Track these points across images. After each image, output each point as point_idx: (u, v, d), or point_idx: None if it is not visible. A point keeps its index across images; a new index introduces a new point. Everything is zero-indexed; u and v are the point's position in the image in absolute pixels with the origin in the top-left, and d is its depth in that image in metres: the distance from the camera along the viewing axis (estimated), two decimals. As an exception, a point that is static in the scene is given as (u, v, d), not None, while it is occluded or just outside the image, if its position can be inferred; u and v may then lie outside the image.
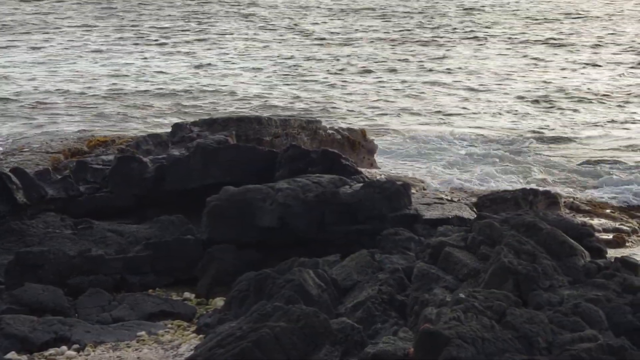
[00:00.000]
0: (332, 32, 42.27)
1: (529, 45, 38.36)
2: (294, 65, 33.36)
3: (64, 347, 10.04)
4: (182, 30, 42.97)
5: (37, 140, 18.18)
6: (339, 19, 47.37)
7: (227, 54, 36.16)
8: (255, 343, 8.07)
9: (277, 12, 50.69)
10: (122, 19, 47.19)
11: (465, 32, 42.30)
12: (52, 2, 54.35)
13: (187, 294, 12.03)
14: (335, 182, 12.88)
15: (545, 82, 30.18)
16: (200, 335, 10.22)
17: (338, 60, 34.59)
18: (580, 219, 15.35)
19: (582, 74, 31.94)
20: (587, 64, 33.99)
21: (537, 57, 35.20)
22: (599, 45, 38.25)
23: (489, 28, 43.71)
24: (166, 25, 44.62)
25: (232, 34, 41.95)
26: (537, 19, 47.07)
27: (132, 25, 44.51)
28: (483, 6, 53.25)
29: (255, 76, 31.35)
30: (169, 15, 48.89)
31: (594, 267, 9.34)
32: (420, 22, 46.15)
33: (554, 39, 39.67)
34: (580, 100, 27.58)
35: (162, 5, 54.31)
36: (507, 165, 19.85)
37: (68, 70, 32.21)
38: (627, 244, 14.52)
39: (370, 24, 45.11)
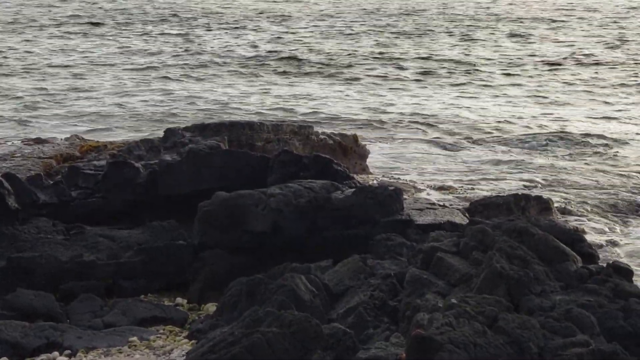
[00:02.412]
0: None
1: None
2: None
3: (56, 353, 10.01)
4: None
5: (29, 146, 18.14)
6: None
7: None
8: (248, 348, 8.07)
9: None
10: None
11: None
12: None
13: (179, 300, 12.02)
14: (327, 187, 12.88)
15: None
16: (192, 341, 10.20)
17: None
18: (572, 224, 15.38)
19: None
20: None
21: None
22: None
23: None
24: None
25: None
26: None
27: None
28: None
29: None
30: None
31: (586, 273, 9.35)
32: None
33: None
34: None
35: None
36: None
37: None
38: (619, 249, 14.55)
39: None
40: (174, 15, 51.82)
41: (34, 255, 11.95)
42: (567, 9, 54.66)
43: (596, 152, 22.08)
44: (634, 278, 9.68)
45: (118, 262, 12.24)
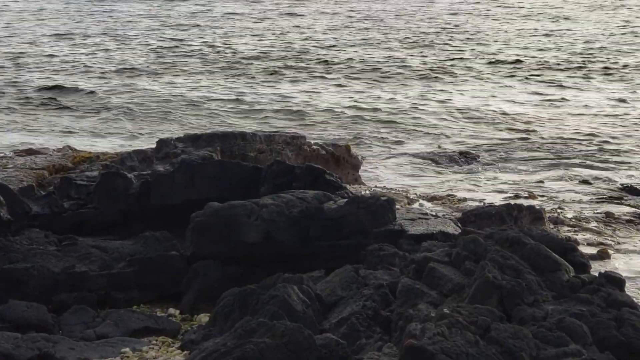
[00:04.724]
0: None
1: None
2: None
3: (48, 364, 10.00)
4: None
5: (21, 157, 18.16)
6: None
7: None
8: (240, 359, 8.07)
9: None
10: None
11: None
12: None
13: (171, 310, 12.01)
14: (319, 197, 12.89)
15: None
16: (185, 352, 10.19)
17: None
18: (564, 233, 15.41)
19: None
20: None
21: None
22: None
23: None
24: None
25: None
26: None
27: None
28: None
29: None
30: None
31: (578, 282, 9.37)
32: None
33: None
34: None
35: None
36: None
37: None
38: (611, 259, 14.58)
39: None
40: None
41: (26, 266, 11.92)
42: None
43: (586, 163, 22.20)
44: (626, 287, 9.72)
45: (110, 273, 12.22)
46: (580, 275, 9.66)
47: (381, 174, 20.91)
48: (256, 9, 60.34)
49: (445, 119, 27.54)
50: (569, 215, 16.99)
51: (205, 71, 35.57)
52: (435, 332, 7.91)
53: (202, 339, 10.05)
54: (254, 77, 34.14)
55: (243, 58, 38.81)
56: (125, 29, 49.46)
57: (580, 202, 18.36)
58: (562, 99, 30.49)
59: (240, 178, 14.06)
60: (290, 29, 49.25)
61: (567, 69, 36.53)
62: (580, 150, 23.53)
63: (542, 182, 20.35)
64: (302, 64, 37.33)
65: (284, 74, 35.14)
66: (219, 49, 41.56)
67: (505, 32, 48.10)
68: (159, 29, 49.36)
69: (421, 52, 40.73)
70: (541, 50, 41.52)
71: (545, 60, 38.42)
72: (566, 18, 54.30)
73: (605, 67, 36.67)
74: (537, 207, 15.44)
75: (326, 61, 38.03)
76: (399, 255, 11.44)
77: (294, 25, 50.66)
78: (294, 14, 56.80)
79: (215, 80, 33.56)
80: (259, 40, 44.68)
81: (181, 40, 44.87)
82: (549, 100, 30.31)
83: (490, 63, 37.69)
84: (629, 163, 22.29)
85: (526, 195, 18.76)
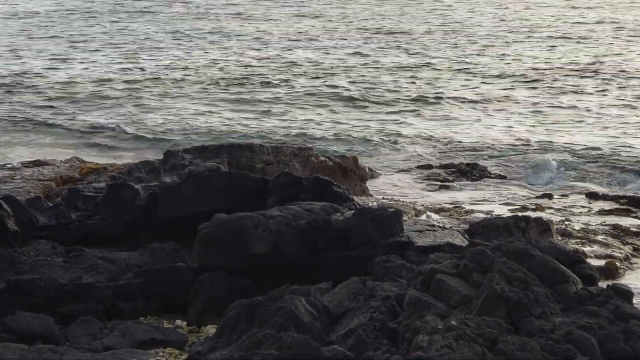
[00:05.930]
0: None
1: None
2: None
3: (55, 376, 9.99)
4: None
5: (28, 168, 18.18)
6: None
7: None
8: (247, 371, 8.06)
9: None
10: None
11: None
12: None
13: (178, 322, 12.01)
14: (327, 209, 12.87)
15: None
16: (192, 364, 10.19)
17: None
18: (572, 246, 15.37)
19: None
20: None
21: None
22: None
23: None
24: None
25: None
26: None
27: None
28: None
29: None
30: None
31: (586, 294, 9.33)
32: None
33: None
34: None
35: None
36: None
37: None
38: (619, 271, 14.54)
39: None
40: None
41: (33, 277, 11.93)
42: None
43: (594, 176, 22.20)
44: (634, 300, 9.68)
45: (117, 284, 12.22)
46: (588, 287, 9.62)
47: (388, 185, 20.91)
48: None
49: (452, 132, 27.54)
50: (577, 228, 16.97)
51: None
52: (442, 344, 7.88)
53: (209, 351, 10.03)
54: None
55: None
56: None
57: (588, 214, 18.34)
58: (571, 107, 30.46)
59: (247, 189, 14.05)
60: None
61: (580, 77, 36.49)
62: (587, 163, 23.50)
63: (549, 194, 20.35)
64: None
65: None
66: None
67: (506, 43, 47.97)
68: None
69: (427, 67, 40.69)
70: (543, 59, 41.45)
71: (548, 70, 38.41)
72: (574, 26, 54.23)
73: (614, 76, 36.65)
74: (545, 219, 15.41)
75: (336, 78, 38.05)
76: (406, 267, 11.42)
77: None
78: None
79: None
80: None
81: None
82: (556, 111, 30.28)
83: (494, 76, 37.66)
84: (637, 175, 22.25)
85: (534, 207, 18.73)
